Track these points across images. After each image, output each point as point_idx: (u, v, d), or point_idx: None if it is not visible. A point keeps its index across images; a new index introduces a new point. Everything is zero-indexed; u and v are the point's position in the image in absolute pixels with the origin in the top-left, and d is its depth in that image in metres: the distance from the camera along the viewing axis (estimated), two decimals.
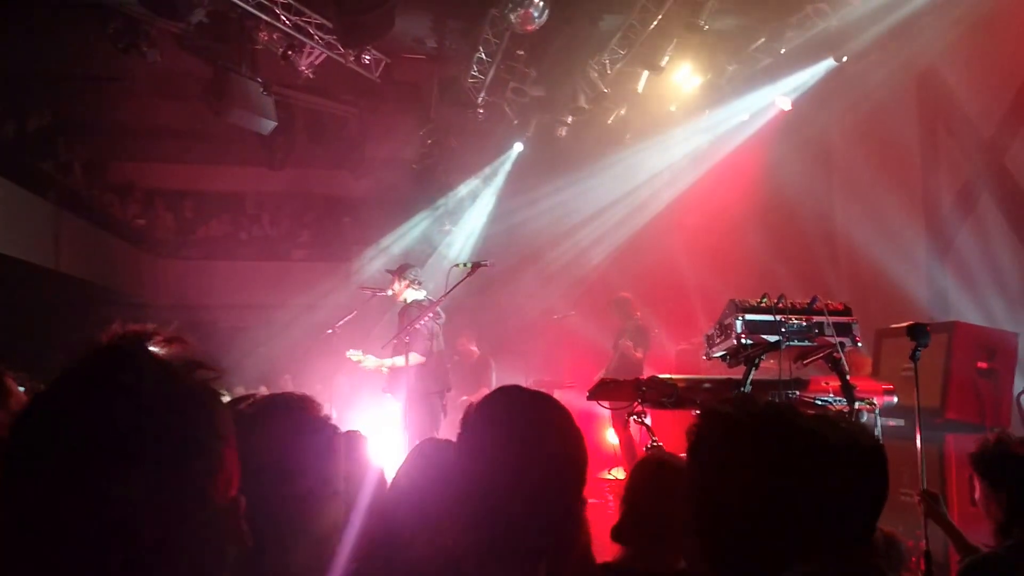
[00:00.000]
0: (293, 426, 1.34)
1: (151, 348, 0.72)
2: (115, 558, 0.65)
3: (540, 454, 1.17)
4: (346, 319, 5.95)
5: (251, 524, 1.26)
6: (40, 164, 8.27)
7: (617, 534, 1.98)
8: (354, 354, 5.55)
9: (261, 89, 7.41)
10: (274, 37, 7.22)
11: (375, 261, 9.64)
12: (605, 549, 2.01)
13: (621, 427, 6.43)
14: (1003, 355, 4.83)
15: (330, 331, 5.91)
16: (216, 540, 0.70)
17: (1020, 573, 1.86)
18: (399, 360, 5.43)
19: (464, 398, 6.52)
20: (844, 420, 1.27)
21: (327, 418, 1.41)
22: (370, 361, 5.57)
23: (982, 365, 4.74)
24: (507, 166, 9.41)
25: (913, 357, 3.39)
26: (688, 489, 1.20)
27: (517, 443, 1.19)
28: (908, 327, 3.42)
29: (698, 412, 1.23)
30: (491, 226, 9.84)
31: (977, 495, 2.51)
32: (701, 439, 1.20)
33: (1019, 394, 4.80)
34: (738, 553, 1.14)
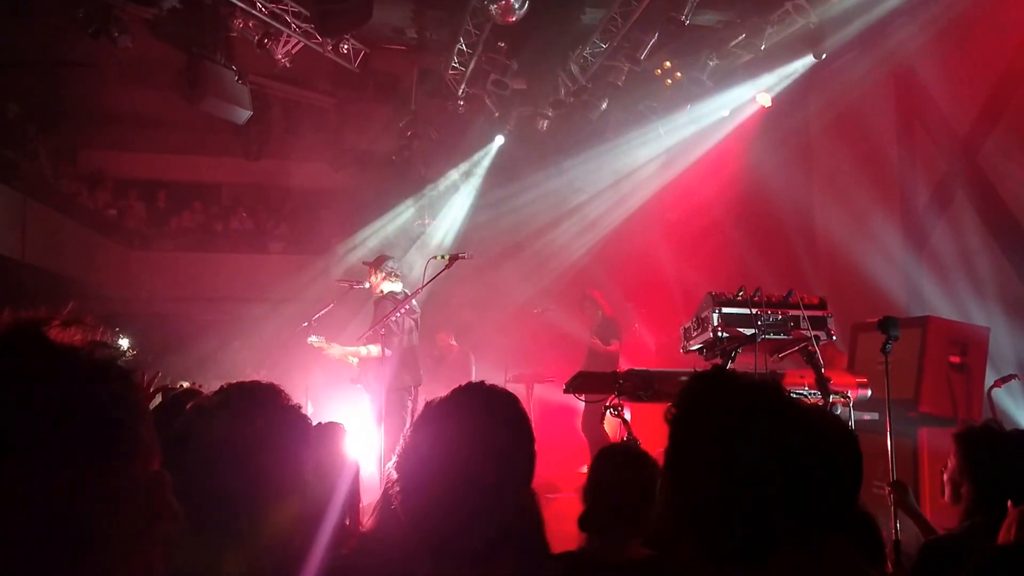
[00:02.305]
0: (261, 416, 1.30)
1: (47, 333, 0.70)
2: (31, 546, 0.63)
3: (482, 449, 1.15)
4: (323, 312, 5.87)
5: (213, 514, 1.22)
6: (5, 151, 8.03)
7: (584, 523, 1.96)
8: (316, 340, 5.47)
9: (236, 78, 7.26)
10: (250, 25, 7.08)
11: (353, 254, 9.54)
12: (571, 540, 1.99)
13: (590, 429, 6.36)
14: (975, 349, 4.89)
15: (306, 324, 5.82)
16: (140, 516, 0.69)
17: (976, 552, 1.88)
18: (363, 350, 5.37)
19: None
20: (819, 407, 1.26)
21: (297, 407, 1.37)
22: (335, 349, 5.50)
23: (955, 359, 4.80)
24: (488, 159, 9.35)
25: (884, 350, 3.42)
26: (666, 467, 1.16)
27: (454, 438, 1.16)
28: (879, 320, 3.45)
29: (679, 390, 1.19)
30: (471, 219, 9.78)
31: (947, 475, 2.51)
32: (681, 416, 1.16)
33: (990, 388, 4.87)
34: (716, 535, 1.11)
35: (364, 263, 5.98)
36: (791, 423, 1.14)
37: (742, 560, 1.12)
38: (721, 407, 1.14)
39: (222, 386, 1.36)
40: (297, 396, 1.42)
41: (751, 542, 1.11)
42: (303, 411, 1.38)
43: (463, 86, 7.79)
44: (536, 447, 1.22)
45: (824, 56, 6.88)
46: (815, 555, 1.42)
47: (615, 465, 2.09)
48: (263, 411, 1.31)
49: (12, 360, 0.66)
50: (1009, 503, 1.98)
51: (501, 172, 9.46)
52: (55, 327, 0.70)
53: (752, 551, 1.12)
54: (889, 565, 3.01)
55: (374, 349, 5.31)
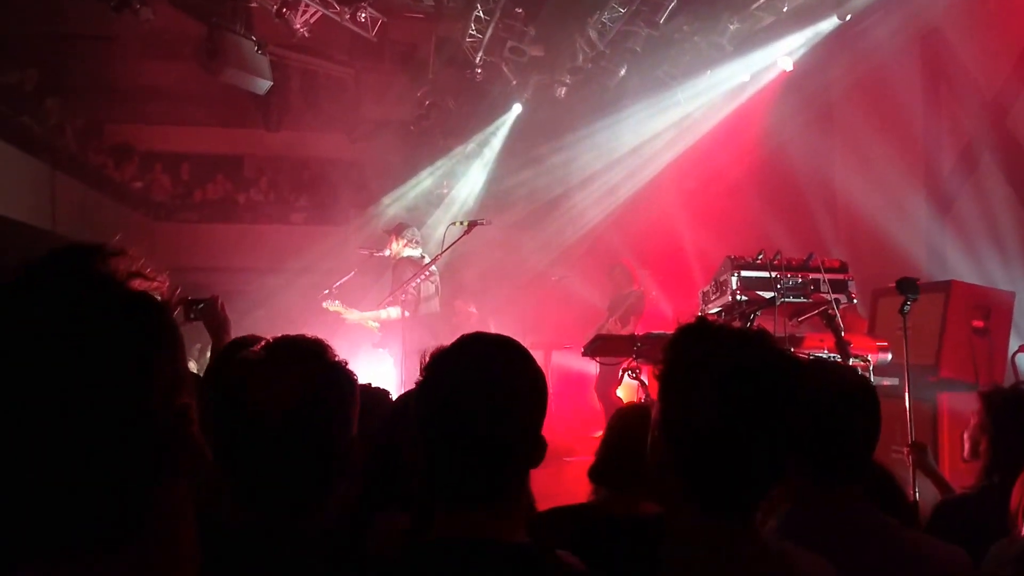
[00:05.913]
0: (309, 372, 1.28)
1: (94, 261, 0.72)
2: (45, 465, 0.65)
3: (484, 394, 1.16)
4: (343, 279, 5.95)
5: (267, 473, 1.24)
6: (34, 125, 8.15)
7: (595, 475, 1.99)
8: (331, 304, 5.53)
9: (256, 48, 7.28)
10: None
11: (373, 223, 9.61)
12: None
13: (604, 394, 6.42)
14: (999, 314, 4.83)
15: (327, 292, 5.91)
16: (159, 447, 0.70)
17: (990, 512, 1.91)
18: (383, 313, 5.44)
19: None
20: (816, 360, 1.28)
21: (343, 363, 1.34)
22: (353, 314, 5.57)
23: (978, 324, 4.74)
24: (506, 127, 9.31)
25: (902, 311, 3.40)
26: (656, 420, 1.17)
27: (459, 384, 1.19)
28: (897, 281, 3.43)
29: (666, 345, 1.21)
30: (489, 187, 9.78)
31: (968, 431, 2.53)
32: (666, 368, 1.18)
33: (1014, 353, 4.82)
34: (706, 486, 1.12)
35: (384, 230, 6.03)
36: (775, 373, 1.13)
37: (734, 511, 1.13)
38: (703, 357, 1.14)
39: (267, 341, 1.33)
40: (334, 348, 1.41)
41: (740, 493, 1.12)
42: (348, 367, 1.34)
43: (480, 54, 7.73)
44: (550, 409, 1.22)
45: (849, 17, 6.71)
46: (820, 507, 1.44)
47: (631, 422, 2.12)
48: (307, 366, 1.28)
49: (49, 284, 0.68)
50: None
51: (519, 140, 9.41)
52: (100, 257, 0.72)
53: (741, 502, 1.13)
54: None
55: (393, 312, 5.40)
